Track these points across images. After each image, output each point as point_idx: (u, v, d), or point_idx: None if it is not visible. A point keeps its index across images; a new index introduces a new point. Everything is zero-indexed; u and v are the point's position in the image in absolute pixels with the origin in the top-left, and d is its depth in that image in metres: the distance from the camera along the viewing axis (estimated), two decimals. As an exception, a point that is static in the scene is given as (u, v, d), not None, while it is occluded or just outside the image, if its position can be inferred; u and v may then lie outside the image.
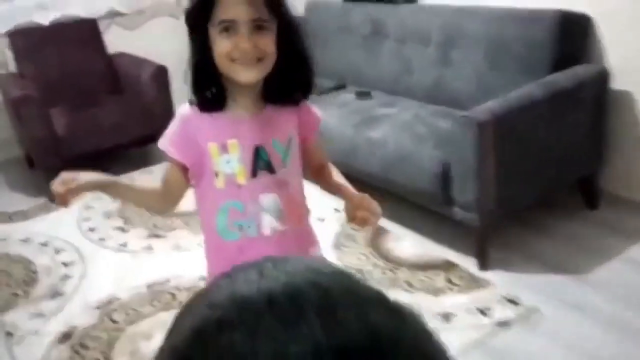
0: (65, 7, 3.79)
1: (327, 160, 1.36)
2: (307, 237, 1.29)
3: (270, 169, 1.15)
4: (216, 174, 1.13)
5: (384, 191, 2.64)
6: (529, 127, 2.18)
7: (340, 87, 3.32)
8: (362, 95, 3.12)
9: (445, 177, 2.25)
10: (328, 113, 2.83)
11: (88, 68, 3.66)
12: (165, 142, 1.16)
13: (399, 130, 2.56)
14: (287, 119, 1.18)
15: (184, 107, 1.16)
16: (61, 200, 1.10)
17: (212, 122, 1.12)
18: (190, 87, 1.12)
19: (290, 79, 1.14)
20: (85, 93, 3.60)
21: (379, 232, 2.62)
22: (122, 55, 3.86)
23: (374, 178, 2.62)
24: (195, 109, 1.13)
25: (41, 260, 2.67)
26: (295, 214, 1.21)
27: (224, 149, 1.12)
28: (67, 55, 3.60)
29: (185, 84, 1.14)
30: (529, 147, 2.22)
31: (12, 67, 3.61)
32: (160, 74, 3.45)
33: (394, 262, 2.40)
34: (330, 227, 2.69)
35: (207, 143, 1.12)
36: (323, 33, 3.64)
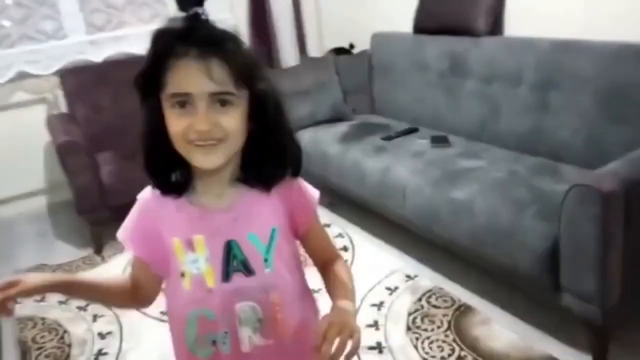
0: (120, 44, 3.59)
1: (333, 254, 1.08)
2: (303, 353, 0.96)
3: (247, 270, 0.94)
4: (182, 275, 0.95)
5: (472, 260, 2.20)
6: (668, 198, 1.70)
7: (412, 130, 2.92)
8: (439, 141, 2.71)
9: (553, 258, 1.80)
10: (400, 163, 2.44)
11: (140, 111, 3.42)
12: (123, 235, 0.97)
13: (491, 190, 2.12)
14: (269, 207, 0.96)
15: (144, 192, 0.97)
16: (1, 309, 0.87)
17: (176, 212, 0.94)
18: (143, 167, 0.93)
19: (269, 158, 0.93)
20: (137, 137, 3.35)
21: (464, 311, 2.17)
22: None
23: (459, 247, 2.19)
24: (158, 193, 0.94)
25: (76, 328, 2.39)
26: (285, 325, 0.98)
27: (189, 245, 0.93)
28: (120, 95, 3.37)
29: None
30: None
31: (63, 107, 3.43)
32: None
33: (485, 355, 1.95)
34: (402, 301, 2.27)
35: (171, 238, 0.94)
36: (392, 69, 3.26)
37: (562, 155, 2.33)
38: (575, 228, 1.70)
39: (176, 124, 0.85)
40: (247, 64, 0.86)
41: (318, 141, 3.01)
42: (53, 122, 3.26)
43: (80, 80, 3.33)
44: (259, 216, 0.95)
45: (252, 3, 3.77)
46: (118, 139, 3.30)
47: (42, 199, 3.58)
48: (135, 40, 3.62)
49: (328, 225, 2.98)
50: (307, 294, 1.07)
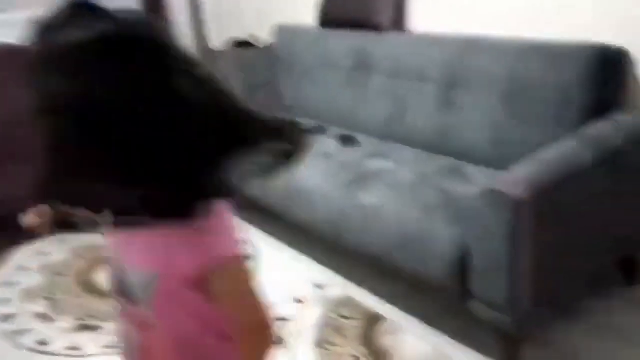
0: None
1: None
2: None
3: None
4: None
5: (384, 267, 2.10)
6: (576, 200, 1.67)
7: (319, 130, 2.78)
8: (347, 140, 2.59)
9: (462, 265, 1.72)
10: (307, 167, 2.29)
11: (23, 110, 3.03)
12: None
13: (400, 194, 2.02)
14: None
15: None
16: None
17: None
18: None
19: None
20: (18, 143, 2.97)
21: (375, 321, 2.07)
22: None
23: (370, 254, 2.08)
24: None
25: None
26: None
27: None
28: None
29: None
30: (574, 227, 1.71)
31: None
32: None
33: (397, 369, 1.85)
34: (310, 314, 2.13)
35: None
36: (298, 64, 3.11)
37: (469, 155, 2.28)
38: (485, 234, 1.62)
39: None
40: None
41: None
42: None
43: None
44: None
45: None
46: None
47: None
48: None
49: (232, 232, 2.79)
50: None
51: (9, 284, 2.50)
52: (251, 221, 2.83)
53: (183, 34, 3.58)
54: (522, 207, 1.54)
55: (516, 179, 1.61)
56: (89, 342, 2.09)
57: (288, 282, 2.33)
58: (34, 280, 2.52)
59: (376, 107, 2.67)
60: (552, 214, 1.63)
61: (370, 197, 2.05)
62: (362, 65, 2.75)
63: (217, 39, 3.75)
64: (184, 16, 3.61)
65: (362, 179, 2.17)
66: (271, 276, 2.37)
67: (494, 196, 1.57)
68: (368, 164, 2.31)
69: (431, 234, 1.82)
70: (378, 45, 2.70)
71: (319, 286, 2.29)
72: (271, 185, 2.43)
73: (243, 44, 3.44)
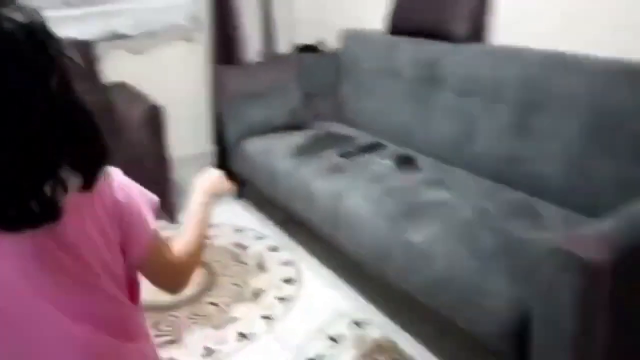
0: (57, 28, 3.17)
1: None
2: None
3: None
4: None
5: (429, 313, 1.84)
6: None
7: (376, 146, 2.54)
8: (405, 162, 2.33)
9: (520, 329, 1.44)
10: (355, 188, 2.07)
11: (74, 102, 3.02)
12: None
13: (454, 234, 1.75)
14: None
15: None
16: None
17: None
18: None
19: None
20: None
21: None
22: (119, 87, 3.21)
23: (414, 299, 1.83)
24: None
25: None
26: None
27: None
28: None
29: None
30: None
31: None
32: (153, 115, 2.76)
33: None
34: (345, 358, 1.90)
35: None
36: (361, 72, 2.88)
37: (542, 190, 1.97)
38: (550, 299, 1.34)
39: None
40: None
41: (269, 152, 2.63)
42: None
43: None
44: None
45: None
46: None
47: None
48: (73, 24, 3.22)
49: (276, 249, 2.61)
50: None
51: None
52: (299, 239, 2.64)
53: (251, 35, 3.45)
54: (599, 274, 1.24)
55: (594, 237, 1.31)
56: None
57: (324, 313, 2.12)
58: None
59: (441, 126, 2.40)
60: (637, 284, 1.32)
61: (419, 234, 1.79)
62: (430, 78, 2.48)
63: (287, 44, 3.59)
64: (253, 20, 3.47)
65: (413, 211, 1.92)
66: (308, 307, 2.18)
67: (564, 257, 1.28)
68: (424, 192, 2.05)
69: (485, 286, 1.55)
70: (450, 57, 2.42)
71: (357, 323, 2.07)
72: (315, 206, 2.23)
73: (307, 49, 3.25)
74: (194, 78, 3.65)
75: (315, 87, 2.98)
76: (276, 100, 2.81)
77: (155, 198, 0.91)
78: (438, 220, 1.84)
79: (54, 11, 3.18)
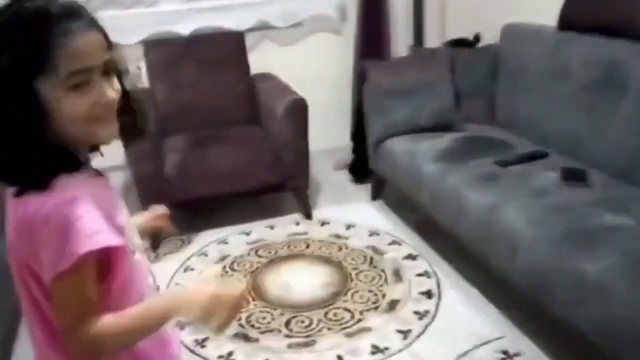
0: (211, 17, 3.26)
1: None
2: None
3: None
4: (133, 251, 0.93)
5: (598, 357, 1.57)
6: None
7: (538, 155, 2.27)
8: (573, 177, 2.04)
9: None
10: (513, 202, 1.84)
11: (224, 91, 3.07)
12: (93, 240, 0.78)
13: (637, 269, 1.47)
14: None
15: (69, 188, 0.81)
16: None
17: (102, 190, 0.89)
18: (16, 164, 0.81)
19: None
20: (215, 122, 3.02)
21: None
22: (266, 78, 3.22)
23: (583, 337, 1.57)
24: (77, 179, 0.83)
25: None
26: None
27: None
28: (203, 73, 3.05)
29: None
30: None
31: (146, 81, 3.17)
32: (297, 109, 2.71)
33: None
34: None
35: (120, 217, 0.89)
36: (523, 71, 2.60)
37: None
38: None
39: (78, 104, 0.80)
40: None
41: (414, 154, 2.46)
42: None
43: (163, 53, 3.04)
44: None
45: None
46: (194, 120, 3.00)
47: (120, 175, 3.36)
48: (228, 14, 3.28)
49: (414, 257, 2.45)
50: None
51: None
52: (439, 249, 2.46)
53: (399, 29, 3.29)
54: None
55: None
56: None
57: (466, 336, 1.92)
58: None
59: (621, 138, 2.07)
60: None
61: (594, 265, 1.53)
62: (610, 83, 2.15)
63: (437, 38, 3.39)
64: (402, 13, 3.31)
65: (585, 236, 1.65)
66: (447, 326, 2.00)
67: None
68: (597, 214, 1.76)
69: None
70: (635, 59, 2.08)
71: (506, 354, 1.84)
72: (465, 218, 2.03)
73: (460, 43, 3.02)
74: (339, 70, 3.58)
75: (468, 86, 2.75)
76: (424, 98, 2.63)
77: (78, 252, 0.76)
78: (617, 249, 1.56)
79: (205, 1, 3.27)
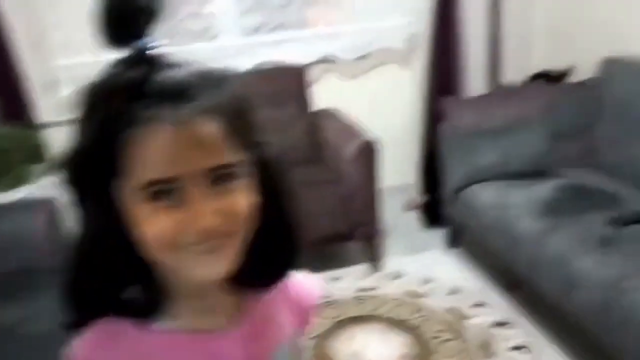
0: (273, 51, 3.06)
1: None
2: None
3: None
4: None
5: None
6: None
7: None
8: None
9: None
10: (636, 280, 1.50)
11: (282, 129, 2.85)
12: None
13: None
14: (281, 310, 0.70)
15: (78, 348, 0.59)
16: None
17: (160, 352, 0.60)
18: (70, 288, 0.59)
19: (279, 243, 0.65)
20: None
21: None
22: (330, 114, 2.98)
23: None
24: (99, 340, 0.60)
25: None
26: None
27: None
28: (260, 111, 2.83)
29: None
30: None
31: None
32: (365, 152, 2.45)
33: None
34: None
35: None
36: (632, 110, 2.25)
37: None
38: None
39: (157, 223, 0.53)
40: (242, 115, 0.59)
41: (506, 206, 2.14)
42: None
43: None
44: (283, 322, 0.69)
45: (437, 10, 2.98)
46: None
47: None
48: (289, 48, 3.08)
49: (502, 324, 2.11)
50: None
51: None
52: (537, 319, 2.11)
53: (475, 62, 3.00)
54: None
55: None
56: None
57: None
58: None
59: None
60: None
61: None
62: None
63: (518, 71, 3.07)
64: (478, 44, 3.02)
65: None
66: None
67: None
68: None
69: None
70: None
71: None
72: (578, 294, 1.69)
73: (547, 78, 2.69)
74: (407, 103, 3.31)
75: (563, 126, 2.41)
76: (514, 139, 2.31)
77: None
78: None
79: (268, 35, 3.09)
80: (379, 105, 3.33)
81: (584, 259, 1.71)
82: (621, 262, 1.63)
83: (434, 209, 2.86)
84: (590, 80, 2.48)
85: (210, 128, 0.53)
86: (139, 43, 0.53)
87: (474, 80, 3.07)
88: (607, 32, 2.61)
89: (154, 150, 0.51)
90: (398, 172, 3.40)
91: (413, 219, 3.03)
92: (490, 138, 2.33)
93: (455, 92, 3.01)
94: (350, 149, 2.48)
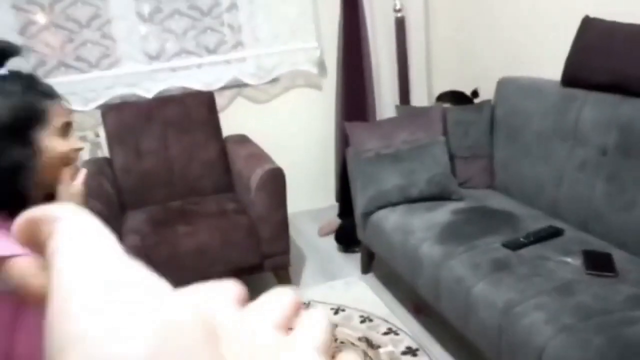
0: (178, 77, 2.97)
1: None
2: None
3: None
4: None
5: None
6: None
7: (551, 234, 1.96)
8: (597, 263, 1.73)
9: None
10: (533, 301, 1.53)
11: (192, 157, 2.76)
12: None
13: None
14: None
15: None
16: None
17: None
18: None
19: None
20: (182, 192, 2.71)
21: None
22: (240, 140, 2.92)
23: None
24: None
25: None
26: None
27: None
28: (168, 139, 2.74)
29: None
30: None
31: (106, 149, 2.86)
32: (271, 180, 2.40)
33: None
34: None
35: None
36: (525, 130, 2.33)
37: None
38: None
39: (61, 146, 1.02)
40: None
41: (408, 231, 2.14)
42: (89, 169, 2.67)
43: (122, 118, 2.72)
44: None
45: (344, 32, 2.99)
46: (158, 192, 2.68)
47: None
48: (194, 73, 3.00)
49: (414, 352, 2.10)
50: None
51: None
52: (442, 341, 2.12)
53: (385, 87, 3.04)
54: None
55: None
56: None
57: None
58: None
59: (649, 214, 1.78)
60: None
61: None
62: (628, 149, 1.87)
63: (424, 93, 3.13)
64: (387, 67, 3.05)
65: (622, 346, 1.33)
66: None
67: None
68: (635, 317, 1.45)
69: None
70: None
71: None
72: (475, 319, 1.70)
73: (455, 99, 2.75)
74: (321, 126, 3.31)
75: (464, 147, 2.46)
76: (417, 163, 2.33)
77: None
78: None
79: (175, 61, 3.00)
80: (294, 128, 3.31)
81: (480, 284, 1.73)
82: (513, 287, 1.65)
83: (349, 234, 2.85)
84: (488, 101, 2.55)
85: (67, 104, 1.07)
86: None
87: (384, 105, 3.11)
88: (507, 52, 2.70)
89: (62, 112, 1.02)
90: (314, 196, 3.39)
91: (330, 245, 3.01)
92: (393, 162, 2.34)
93: (365, 116, 3.03)
94: (256, 178, 2.43)
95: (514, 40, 2.65)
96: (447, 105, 2.66)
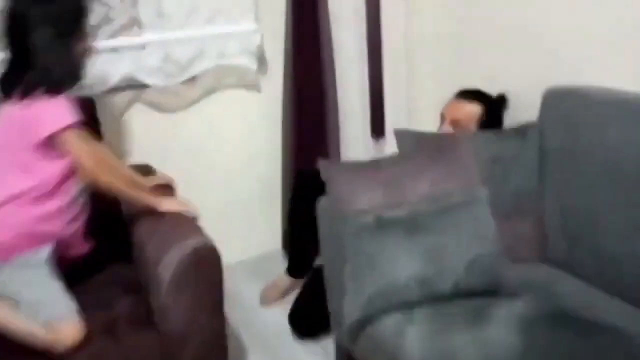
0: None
1: None
2: None
3: None
4: None
5: None
6: None
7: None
8: None
9: None
10: None
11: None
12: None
13: None
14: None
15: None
16: None
17: None
18: None
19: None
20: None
21: None
22: (143, 175, 1.85)
23: None
24: None
25: None
26: None
27: None
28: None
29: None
30: None
31: None
32: (200, 265, 1.40)
33: None
34: None
35: None
36: (602, 171, 1.48)
37: None
38: None
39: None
40: None
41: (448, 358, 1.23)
42: None
43: None
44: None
45: (295, 8, 2.05)
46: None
47: None
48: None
49: None
50: None
51: None
52: None
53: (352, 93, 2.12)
54: None
55: None
56: None
57: None
58: None
59: None
60: None
61: None
62: None
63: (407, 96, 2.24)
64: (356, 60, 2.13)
65: None
66: None
67: None
68: None
69: None
70: None
71: None
72: None
73: (478, 98, 1.84)
74: (255, 147, 2.36)
75: (506, 200, 1.57)
76: (448, 235, 1.40)
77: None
78: None
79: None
80: (218, 147, 2.31)
81: None
82: None
83: (309, 315, 1.91)
84: (532, 124, 1.66)
85: None
86: None
87: (353, 112, 2.19)
88: (489, 74, 1.86)
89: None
90: (252, 239, 2.42)
91: (279, 321, 2.02)
92: (408, 233, 1.40)
93: (324, 131, 2.11)
94: (171, 263, 1.40)
95: (495, 62, 1.78)
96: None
